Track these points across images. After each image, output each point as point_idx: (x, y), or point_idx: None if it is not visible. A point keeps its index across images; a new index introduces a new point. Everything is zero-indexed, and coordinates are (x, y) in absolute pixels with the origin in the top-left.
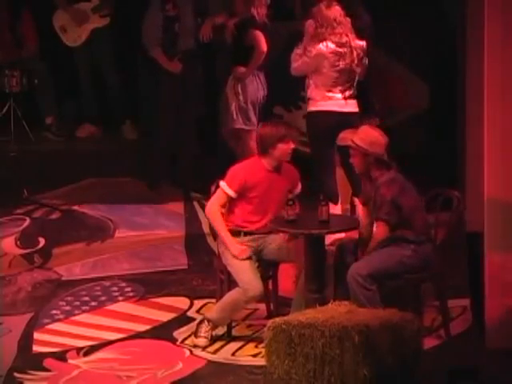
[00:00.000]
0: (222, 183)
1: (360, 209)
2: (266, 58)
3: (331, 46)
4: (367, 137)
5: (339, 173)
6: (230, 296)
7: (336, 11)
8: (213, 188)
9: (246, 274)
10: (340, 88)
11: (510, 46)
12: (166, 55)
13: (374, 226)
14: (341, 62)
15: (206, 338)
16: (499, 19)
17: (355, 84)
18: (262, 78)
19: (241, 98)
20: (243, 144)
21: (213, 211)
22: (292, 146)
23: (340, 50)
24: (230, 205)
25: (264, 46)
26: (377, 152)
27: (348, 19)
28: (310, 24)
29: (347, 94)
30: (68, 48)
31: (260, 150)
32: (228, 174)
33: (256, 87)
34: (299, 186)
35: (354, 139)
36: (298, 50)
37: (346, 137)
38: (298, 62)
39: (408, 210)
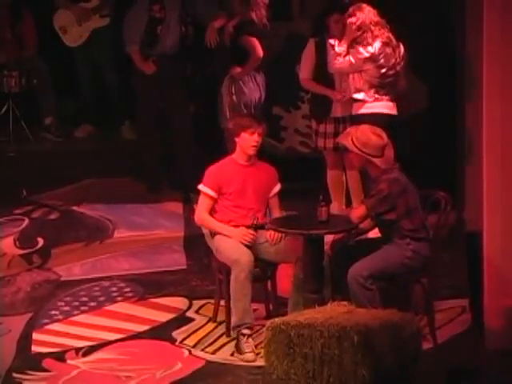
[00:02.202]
0: (200, 186)
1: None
2: (264, 59)
3: (376, 46)
4: (362, 137)
5: (335, 173)
6: (231, 286)
7: (369, 13)
8: None
9: (233, 249)
10: (386, 90)
11: (508, 46)
12: (141, 55)
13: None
14: (387, 63)
15: (251, 351)
16: (498, 19)
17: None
18: (260, 80)
19: (234, 97)
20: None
21: (201, 217)
22: (257, 138)
23: (387, 50)
24: (213, 207)
25: (260, 52)
26: (369, 153)
27: (382, 20)
28: (351, 23)
29: (391, 96)
30: (67, 48)
31: (229, 143)
32: (204, 175)
33: (251, 88)
34: (278, 185)
35: (352, 137)
36: (338, 49)
37: (348, 133)
38: (341, 63)
39: (404, 210)
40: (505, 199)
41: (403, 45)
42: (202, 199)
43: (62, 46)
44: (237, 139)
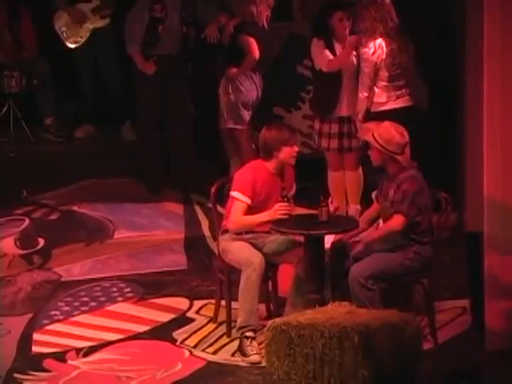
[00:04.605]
0: (236, 193)
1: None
2: (264, 60)
3: (384, 43)
4: (385, 134)
5: (337, 175)
6: (241, 286)
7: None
8: (212, 189)
9: (245, 250)
10: (396, 84)
11: (509, 47)
12: (142, 55)
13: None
14: (394, 59)
15: (256, 353)
16: (498, 20)
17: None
18: (257, 79)
19: (231, 97)
20: (236, 143)
21: (237, 221)
22: (296, 149)
23: (392, 46)
24: (230, 208)
25: (256, 53)
26: (392, 150)
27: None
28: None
29: (406, 86)
30: (67, 48)
31: (264, 153)
32: (236, 181)
33: (248, 87)
34: (294, 187)
35: (374, 133)
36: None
37: (368, 127)
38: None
39: (422, 211)
40: (505, 200)
41: (410, 41)
42: (238, 206)
43: (63, 47)
44: (276, 153)
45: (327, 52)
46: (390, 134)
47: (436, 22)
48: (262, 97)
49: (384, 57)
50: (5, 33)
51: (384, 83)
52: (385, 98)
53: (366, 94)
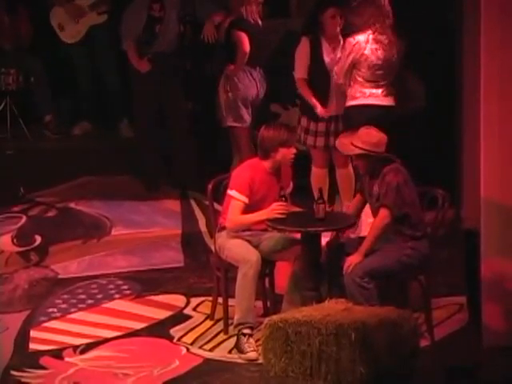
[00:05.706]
0: (233, 192)
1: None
2: (261, 56)
3: (371, 40)
4: (370, 139)
5: (321, 172)
6: (238, 284)
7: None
8: (209, 186)
9: (242, 248)
10: (380, 82)
11: (507, 46)
12: (137, 53)
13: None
14: (377, 59)
15: (253, 350)
16: (496, 20)
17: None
18: (257, 76)
19: (230, 95)
20: (235, 141)
21: (235, 220)
22: (294, 150)
23: (379, 46)
24: (227, 205)
25: (246, 47)
26: (380, 151)
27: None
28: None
29: (386, 87)
30: (65, 45)
31: (261, 153)
32: (234, 180)
33: (247, 84)
34: (291, 186)
35: (357, 144)
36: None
37: (345, 143)
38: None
39: (408, 203)
40: (502, 197)
41: (402, 42)
42: (235, 205)
43: (60, 44)
44: (272, 154)
45: (304, 64)
46: (375, 137)
47: (434, 20)
48: (263, 94)
49: (366, 52)
50: (4, 21)
51: (360, 79)
52: (358, 94)
53: (340, 81)
